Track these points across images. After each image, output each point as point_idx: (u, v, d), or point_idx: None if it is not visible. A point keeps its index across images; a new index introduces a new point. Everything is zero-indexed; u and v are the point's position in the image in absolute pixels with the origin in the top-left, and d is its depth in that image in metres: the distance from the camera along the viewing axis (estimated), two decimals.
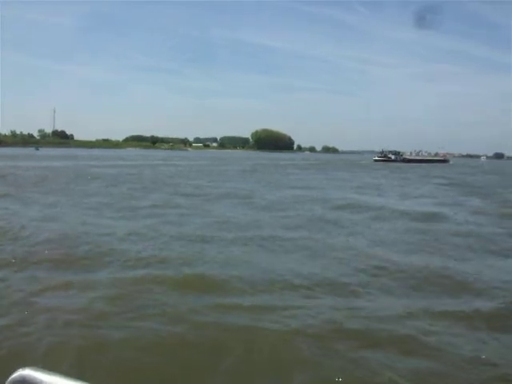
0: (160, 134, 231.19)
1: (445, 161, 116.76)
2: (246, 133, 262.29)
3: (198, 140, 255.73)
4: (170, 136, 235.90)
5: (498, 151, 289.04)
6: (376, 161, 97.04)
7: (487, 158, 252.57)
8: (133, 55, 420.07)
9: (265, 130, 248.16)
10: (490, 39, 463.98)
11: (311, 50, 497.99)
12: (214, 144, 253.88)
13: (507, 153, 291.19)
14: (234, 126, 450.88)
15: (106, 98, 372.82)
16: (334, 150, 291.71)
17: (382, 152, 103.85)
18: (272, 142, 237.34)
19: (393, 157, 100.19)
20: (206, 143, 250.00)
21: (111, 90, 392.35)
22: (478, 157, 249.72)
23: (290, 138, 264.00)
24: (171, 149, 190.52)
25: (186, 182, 30.55)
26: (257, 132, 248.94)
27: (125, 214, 16.18)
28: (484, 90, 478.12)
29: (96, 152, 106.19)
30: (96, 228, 12.99)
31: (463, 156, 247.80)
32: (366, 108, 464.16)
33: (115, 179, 31.10)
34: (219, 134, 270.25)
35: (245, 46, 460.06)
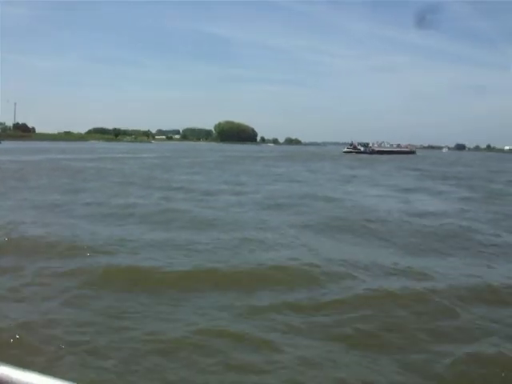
0: (122, 126, 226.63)
1: (412, 152, 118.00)
2: (209, 125, 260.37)
3: (160, 132, 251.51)
4: (133, 128, 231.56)
5: (460, 142, 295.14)
6: (345, 152, 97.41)
7: (449, 149, 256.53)
8: (93, 46, 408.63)
9: (228, 122, 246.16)
10: (453, 33, 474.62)
11: (272, 41, 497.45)
12: (177, 136, 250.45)
13: (468, 144, 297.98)
14: (197, 117, 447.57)
15: (66, 90, 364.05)
16: (296, 142, 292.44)
17: (351, 144, 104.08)
18: (235, 134, 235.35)
19: (362, 148, 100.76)
20: (168, 135, 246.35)
21: (72, 82, 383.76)
22: (440, 148, 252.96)
23: (253, 130, 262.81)
24: (134, 141, 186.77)
25: (170, 177, 29.59)
26: (220, 124, 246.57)
27: (129, 210, 15.25)
28: (445, 82, 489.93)
29: (62, 145, 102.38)
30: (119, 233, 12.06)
31: (425, 147, 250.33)
32: (327, 100, 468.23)
33: (97, 174, 29.87)
34: (182, 126, 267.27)
35: (206, 37, 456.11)
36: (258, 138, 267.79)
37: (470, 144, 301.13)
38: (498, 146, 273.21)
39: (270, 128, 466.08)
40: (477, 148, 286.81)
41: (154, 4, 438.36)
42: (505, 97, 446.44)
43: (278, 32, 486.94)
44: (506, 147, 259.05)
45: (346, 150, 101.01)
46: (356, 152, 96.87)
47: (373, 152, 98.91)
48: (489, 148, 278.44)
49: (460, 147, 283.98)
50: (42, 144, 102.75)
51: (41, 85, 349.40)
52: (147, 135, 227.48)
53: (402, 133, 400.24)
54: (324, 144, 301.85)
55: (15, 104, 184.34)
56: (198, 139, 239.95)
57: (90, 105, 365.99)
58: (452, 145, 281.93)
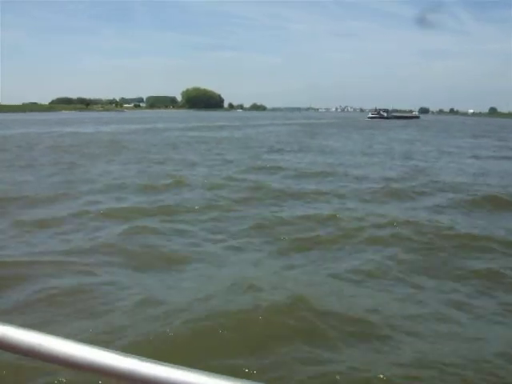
0: (84, 95, 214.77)
1: (417, 117, 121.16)
2: (171, 92, 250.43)
3: (124, 100, 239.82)
4: (94, 97, 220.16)
5: (423, 106, 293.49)
6: (371, 118, 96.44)
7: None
8: (45, 16, 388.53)
9: (195, 89, 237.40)
10: None
11: (231, 8, 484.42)
12: (142, 104, 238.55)
13: (431, 108, 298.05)
14: (157, 85, 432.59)
15: (20, 61, 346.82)
16: (262, 108, 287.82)
17: (375, 109, 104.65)
18: (203, 101, 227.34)
19: (385, 114, 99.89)
20: (134, 103, 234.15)
21: (24, 53, 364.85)
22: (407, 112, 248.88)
23: (219, 96, 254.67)
24: (106, 110, 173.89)
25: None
26: (187, 91, 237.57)
27: None
28: (404, 47, 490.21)
29: (44, 116, 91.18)
30: None
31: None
32: (287, 65, 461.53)
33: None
34: (143, 94, 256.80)
35: (162, 3, 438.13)
36: (225, 104, 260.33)
37: (433, 108, 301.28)
38: (462, 110, 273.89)
39: (230, 94, 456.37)
40: (440, 112, 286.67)
41: None
42: (463, 61, 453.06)
43: None
44: (470, 110, 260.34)
45: (370, 115, 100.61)
46: (379, 118, 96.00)
47: (392, 117, 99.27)
48: (452, 111, 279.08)
49: (424, 111, 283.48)
50: (16, 115, 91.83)
51: None
52: (115, 104, 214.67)
53: (363, 97, 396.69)
54: (291, 109, 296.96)
55: None
56: (166, 106, 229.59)
57: (49, 76, 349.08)
58: (415, 109, 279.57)
